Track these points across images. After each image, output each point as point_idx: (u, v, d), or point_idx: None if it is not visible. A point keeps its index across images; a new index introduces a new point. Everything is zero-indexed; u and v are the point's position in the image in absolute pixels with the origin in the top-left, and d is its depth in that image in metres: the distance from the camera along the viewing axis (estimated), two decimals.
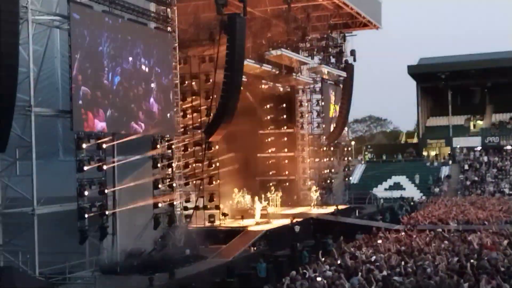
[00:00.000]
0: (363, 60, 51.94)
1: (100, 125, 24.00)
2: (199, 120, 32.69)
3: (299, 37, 41.44)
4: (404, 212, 44.05)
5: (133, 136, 26.35)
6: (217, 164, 33.06)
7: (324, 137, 47.65)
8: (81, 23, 23.24)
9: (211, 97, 31.58)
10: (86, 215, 22.58)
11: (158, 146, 27.92)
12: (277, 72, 39.50)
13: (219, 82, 30.28)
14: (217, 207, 33.11)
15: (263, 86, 41.89)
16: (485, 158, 64.87)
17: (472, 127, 73.20)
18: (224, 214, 33.70)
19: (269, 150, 45.34)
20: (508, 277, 17.08)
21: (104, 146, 24.06)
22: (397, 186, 60.52)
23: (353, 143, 76.14)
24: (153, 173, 27.55)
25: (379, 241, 26.75)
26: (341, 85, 48.83)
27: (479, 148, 67.69)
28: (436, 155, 71.06)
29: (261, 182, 43.73)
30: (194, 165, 32.77)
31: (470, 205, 43.09)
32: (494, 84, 73.11)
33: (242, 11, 30.58)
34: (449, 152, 69.49)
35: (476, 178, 61.08)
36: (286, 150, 45.64)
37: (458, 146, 68.99)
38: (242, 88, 32.11)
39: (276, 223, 34.07)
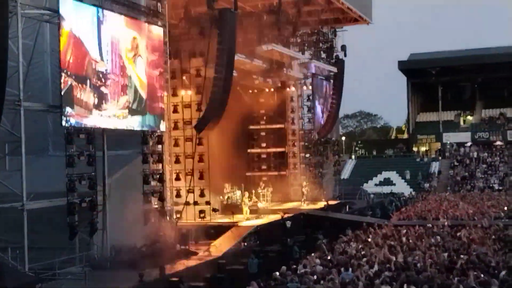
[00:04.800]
0: (353, 55, 52.05)
1: (90, 120, 23.92)
2: (190, 115, 32.64)
3: (290, 32, 41.36)
4: (394, 207, 44.18)
5: (123, 131, 26.29)
6: (208, 159, 33.02)
7: (315, 133, 47.63)
8: (70, 17, 23.16)
9: (201, 92, 31.52)
10: (76, 211, 22.52)
11: (149, 141, 27.85)
12: (268, 67, 39.46)
13: (210, 77, 30.23)
14: (208, 203, 33.08)
15: (253, 81, 41.82)
16: (475, 154, 65.15)
17: (462, 123, 73.53)
18: (215, 210, 33.66)
19: (260, 145, 45.28)
20: (497, 272, 17.17)
21: (94, 141, 23.99)
22: (387, 182, 60.74)
23: (343, 138, 76.30)
24: (143, 168, 27.48)
25: (369, 237, 26.82)
26: (332, 81, 48.85)
27: (469, 143, 67.99)
28: (426, 150, 71.33)
29: (252, 178, 43.71)
30: (184, 160, 32.76)
31: (460, 200, 43.27)
32: (484, 80, 73.42)
33: (233, 6, 30.52)
34: (439, 147, 69.78)
35: (465, 174, 61.37)
36: (277, 145, 45.63)
37: (448, 142, 69.29)
38: (232, 83, 32.05)
39: (266, 219, 34.10)
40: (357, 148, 78.04)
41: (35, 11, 23.95)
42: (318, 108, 47.28)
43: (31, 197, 21.74)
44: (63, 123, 22.62)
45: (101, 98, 24.63)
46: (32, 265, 21.49)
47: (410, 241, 24.56)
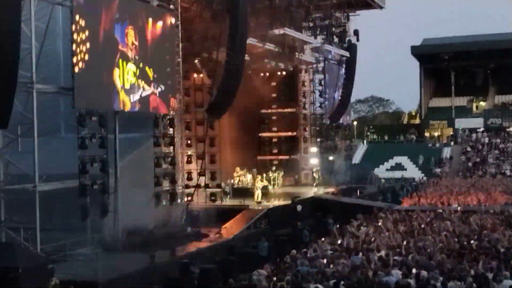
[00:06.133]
0: (366, 40, 51.88)
1: (101, 102, 23.96)
2: (201, 98, 32.64)
3: (302, 16, 41.17)
4: (405, 192, 44.08)
5: (135, 114, 26.35)
6: (219, 143, 33.07)
7: (327, 117, 47.56)
8: (83, 0, 23.17)
9: (213, 76, 31.48)
10: (88, 193, 22.67)
11: (160, 124, 27.89)
12: (280, 51, 39.34)
13: (222, 60, 30.18)
14: (219, 186, 33.17)
15: (265, 65, 41.72)
16: (487, 140, 64.79)
17: (474, 109, 73.09)
18: (226, 193, 33.76)
19: (271, 129, 45.28)
20: (507, 258, 17.14)
21: (106, 123, 24.06)
22: (398, 167, 60.51)
23: (355, 123, 76.09)
24: (155, 151, 27.55)
25: (380, 221, 26.81)
26: (344, 65, 48.68)
27: (481, 129, 67.59)
28: (438, 136, 70.97)
29: (263, 162, 43.75)
30: (196, 143, 32.82)
31: (471, 186, 43.11)
32: (497, 66, 72.88)
33: None
34: (451, 133, 69.44)
35: (477, 160, 61.03)
36: (288, 129, 45.62)
37: (460, 127, 68.92)
38: (244, 67, 31.99)
39: (277, 203, 34.15)
40: (368, 133, 77.79)
41: None
42: (330, 93, 47.16)
43: (43, 179, 21.87)
44: (75, 105, 22.68)
45: (113, 80, 24.64)
46: (43, 246, 21.65)
47: (421, 226, 24.54)
